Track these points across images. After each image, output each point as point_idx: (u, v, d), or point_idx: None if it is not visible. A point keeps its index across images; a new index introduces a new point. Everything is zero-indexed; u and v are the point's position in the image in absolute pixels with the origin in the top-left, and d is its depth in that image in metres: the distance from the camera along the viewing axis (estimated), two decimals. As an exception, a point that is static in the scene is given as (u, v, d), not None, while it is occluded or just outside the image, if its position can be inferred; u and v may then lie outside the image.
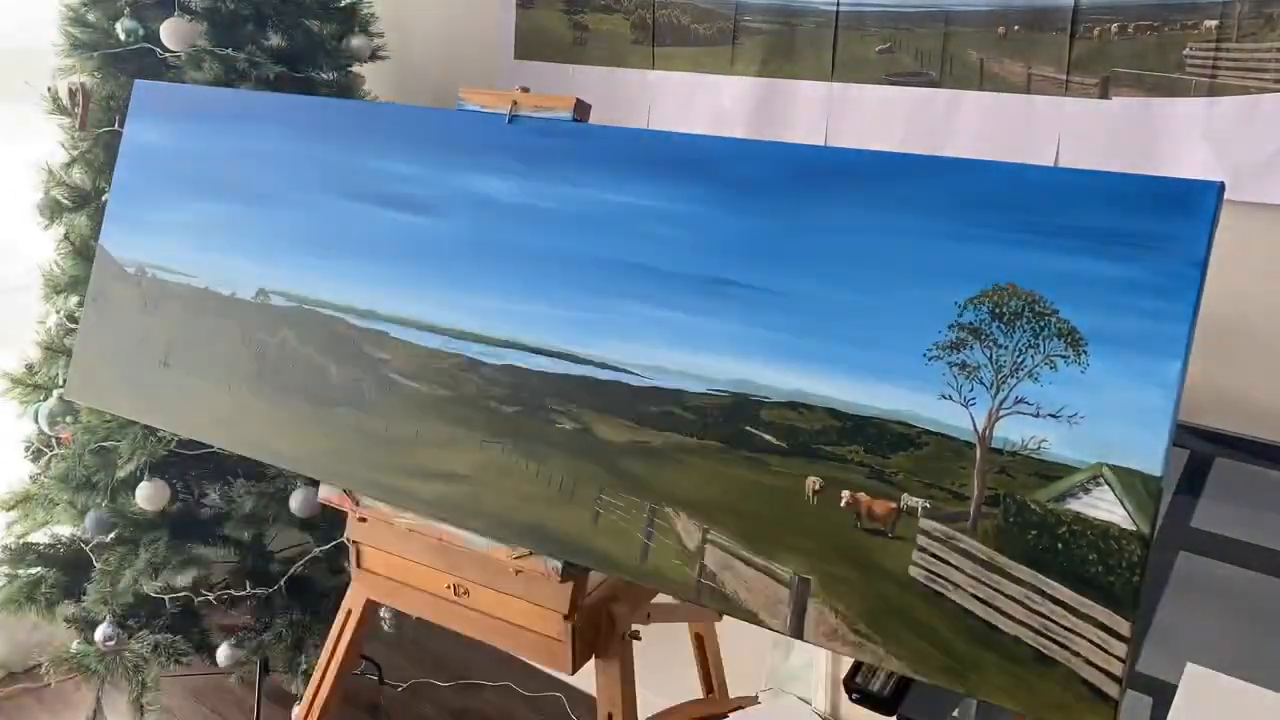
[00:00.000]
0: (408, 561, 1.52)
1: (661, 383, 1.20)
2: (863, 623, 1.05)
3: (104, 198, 1.98)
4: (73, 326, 2.07)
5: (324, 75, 2.23)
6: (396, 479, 1.36)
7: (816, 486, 1.09)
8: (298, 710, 2.28)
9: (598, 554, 1.22)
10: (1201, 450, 1.42)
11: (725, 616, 1.16)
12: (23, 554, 2.25)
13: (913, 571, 1.04)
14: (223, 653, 2.18)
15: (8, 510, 2.26)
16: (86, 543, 2.18)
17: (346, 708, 2.44)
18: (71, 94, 2.05)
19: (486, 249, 1.34)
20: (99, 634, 2.11)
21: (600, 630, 1.44)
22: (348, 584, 1.62)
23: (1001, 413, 1.01)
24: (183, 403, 1.56)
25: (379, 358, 1.39)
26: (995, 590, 1.00)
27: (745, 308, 1.16)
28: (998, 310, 1.02)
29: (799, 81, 2.04)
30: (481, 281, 1.33)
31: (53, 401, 2.14)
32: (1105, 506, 0.95)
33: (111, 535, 2.16)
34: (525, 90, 1.39)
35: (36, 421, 2.16)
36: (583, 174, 1.30)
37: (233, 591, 2.20)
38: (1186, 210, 0.95)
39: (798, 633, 1.09)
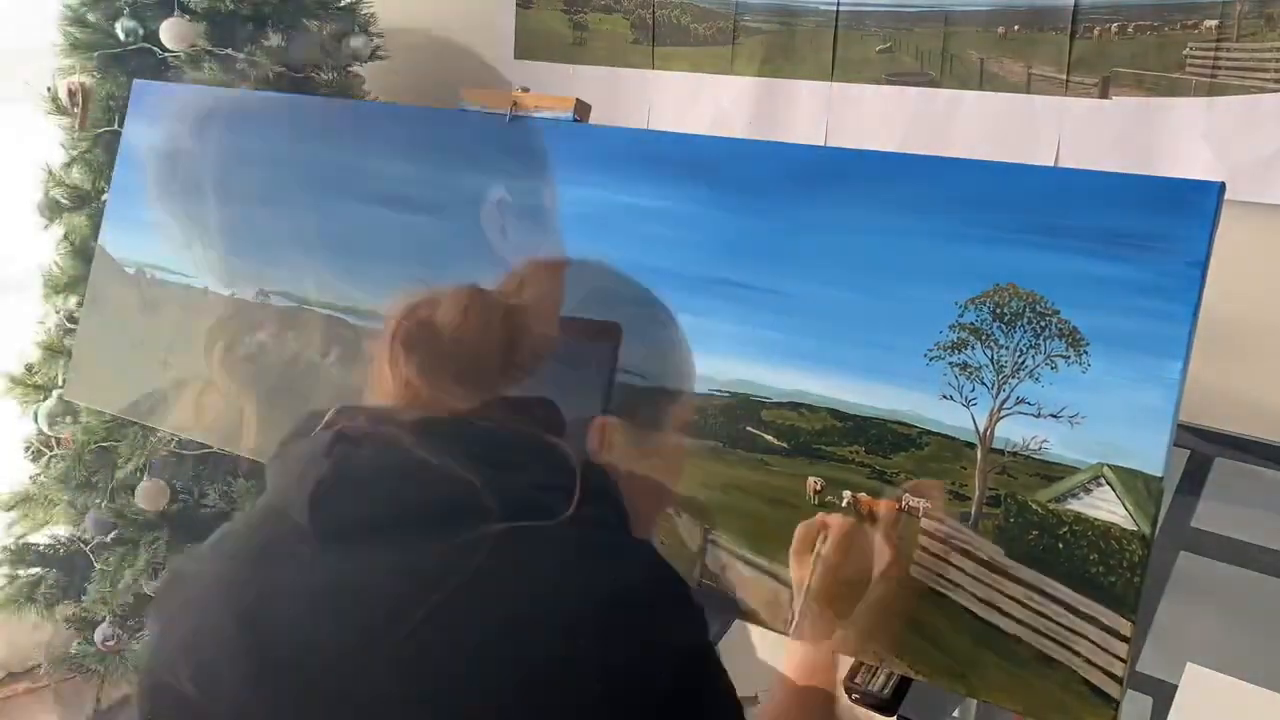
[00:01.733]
0: (408, 562, 1.52)
1: (662, 383, 1.20)
2: (863, 623, 1.05)
3: (103, 198, 1.98)
4: (72, 326, 2.07)
5: (323, 75, 2.23)
6: (397, 479, 1.36)
7: (818, 486, 1.09)
8: (298, 710, 2.28)
9: (598, 554, 1.21)
10: (1201, 450, 1.42)
11: (725, 617, 1.16)
12: (23, 554, 2.25)
13: (914, 572, 1.04)
14: (223, 653, 2.17)
15: (8, 510, 2.26)
16: (86, 543, 2.18)
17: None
18: (71, 94, 2.05)
19: (487, 249, 1.34)
20: (99, 634, 2.11)
21: (600, 630, 1.44)
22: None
23: (1003, 413, 1.01)
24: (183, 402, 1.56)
25: (379, 358, 1.38)
26: (996, 590, 1.00)
27: (745, 308, 1.16)
28: (999, 310, 1.02)
29: (799, 81, 2.04)
30: (482, 281, 1.32)
31: (52, 402, 2.13)
32: (1106, 507, 0.95)
33: (111, 535, 2.16)
34: (525, 90, 1.39)
35: (36, 422, 2.16)
36: (583, 174, 1.30)
37: (233, 591, 2.20)
38: (1187, 210, 0.95)
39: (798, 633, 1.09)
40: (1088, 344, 0.98)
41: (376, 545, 0.71)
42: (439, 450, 0.74)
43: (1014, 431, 1.00)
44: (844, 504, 1.08)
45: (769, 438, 1.14)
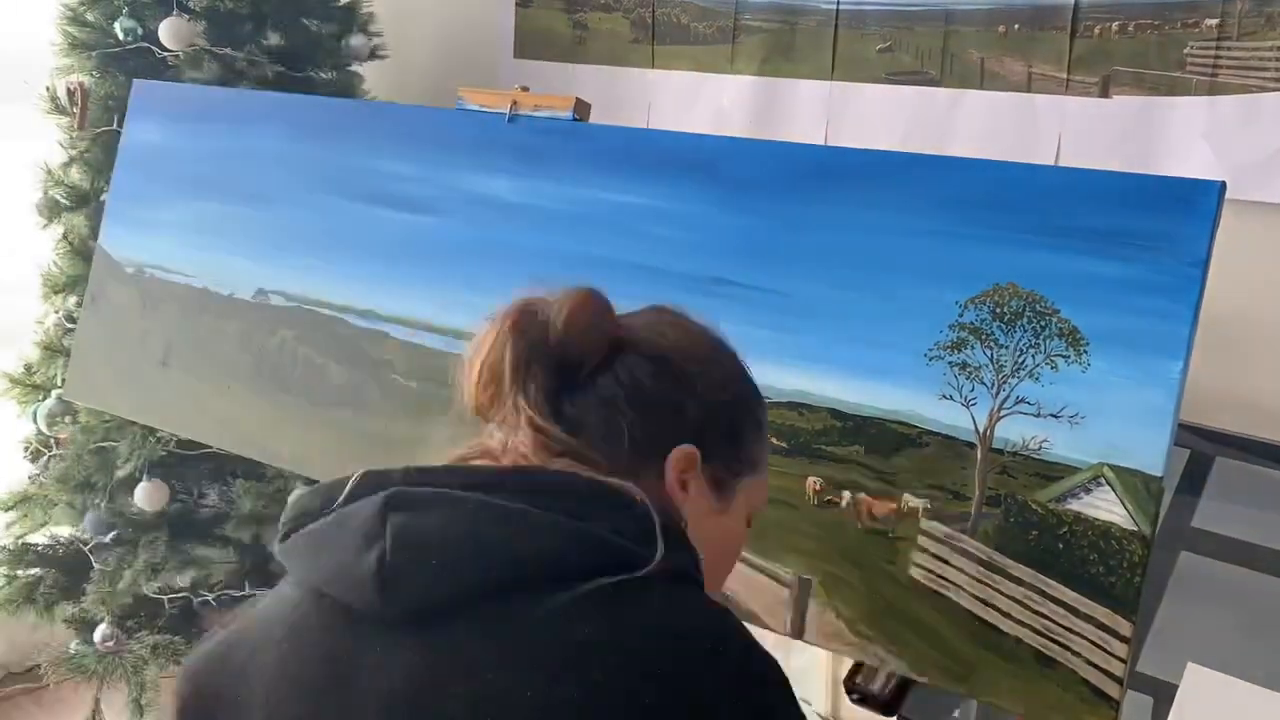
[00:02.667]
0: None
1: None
2: (864, 623, 1.05)
3: (102, 197, 1.98)
4: (71, 326, 2.07)
5: (323, 75, 2.23)
6: (396, 479, 1.36)
7: (817, 487, 1.09)
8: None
9: (598, 554, 1.21)
10: (1202, 450, 1.42)
11: (725, 617, 1.16)
12: (22, 554, 2.25)
13: (914, 572, 1.04)
14: (222, 653, 2.17)
15: (6, 510, 2.26)
16: (85, 543, 2.18)
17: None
18: (70, 94, 2.05)
19: (486, 249, 1.34)
20: (98, 635, 2.11)
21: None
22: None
23: (1002, 413, 1.01)
24: (182, 403, 1.56)
25: (379, 358, 1.38)
26: (996, 591, 1.00)
27: (745, 308, 1.16)
28: (998, 310, 1.02)
29: (799, 80, 2.03)
30: (481, 281, 1.32)
31: (51, 402, 2.13)
32: (1106, 507, 0.95)
33: (111, 536, 2.16)
34: (525, 90, 1.38)
35: (35, 422, 2.16)
36: (583, 174, 1.29)
37: (232, 592, 2.20)
38: (1187, 210, 0.95)
39: (798, 633, 1.09)
40: (1088, 343, 0.98)
41: (458, 622, 0.63)
42: (512, 503, 0.67)
43: (1014, 431, 1.00)
44: (844, 504, 1.08)
45: (769, 438, 1.13)
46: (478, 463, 0.77)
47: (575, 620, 0.63)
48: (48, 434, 2.17)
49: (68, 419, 2.13)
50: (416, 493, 0.68)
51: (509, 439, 0.77)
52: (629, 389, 0.77)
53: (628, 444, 0.76)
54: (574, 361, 0.77)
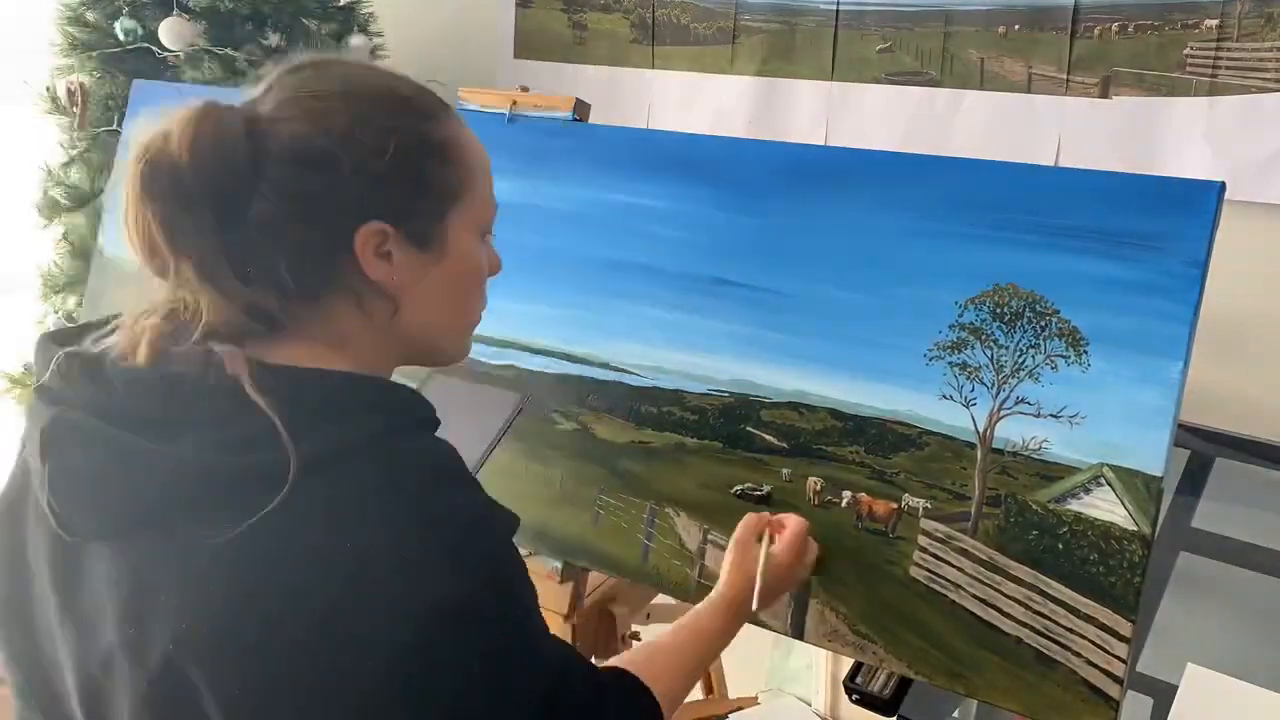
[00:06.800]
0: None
1: (661, 383, 1.20)
2: (863, 623, 1.05)
3: (102, 197, 1.98)
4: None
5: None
6: (396, 479, 1.35)
7: (817, 487, 1.09)
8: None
9: (598, 554, 1.21)
10: (1201, 450, 1.42)
11: (725, 617, 1.16)
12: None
13: (914, 572, 1.04)
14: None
15: (6, 510, 2.25)
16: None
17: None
18: (70, 93, 2.05)
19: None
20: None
21: (600, 631, 1.44)
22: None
23: (1002, 413, 1.01)
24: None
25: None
26: (996, 591, 1.00)
27: (745, 308, 1.16)
28: (998, 310, 1.02)
29: (799, 81, 2.04)
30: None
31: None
32: (1106, 507, 0.95)
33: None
34: (525, 90, 1.38)
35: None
36: (583, 174, 1.29)
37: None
38: (1187, 210, 0.95)
39: (798, 633, 1.09)
40: (1088, 344, 0.98)
41: (135, 539, 0.68)
42: (151, 443, 0.68)
43: (1014, 431, 1.00)
44: (844, 504, 1.08)
45: (769, 438, 1.14)
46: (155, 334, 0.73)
47: (253, 542, 0.64)
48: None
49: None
50: (69, 427, 0.69)
51: (191, 298, 0.73)
52: (281, 204, 0.70)
53: (307, 261, 0.71)
54: (218, 193, 0.71)
